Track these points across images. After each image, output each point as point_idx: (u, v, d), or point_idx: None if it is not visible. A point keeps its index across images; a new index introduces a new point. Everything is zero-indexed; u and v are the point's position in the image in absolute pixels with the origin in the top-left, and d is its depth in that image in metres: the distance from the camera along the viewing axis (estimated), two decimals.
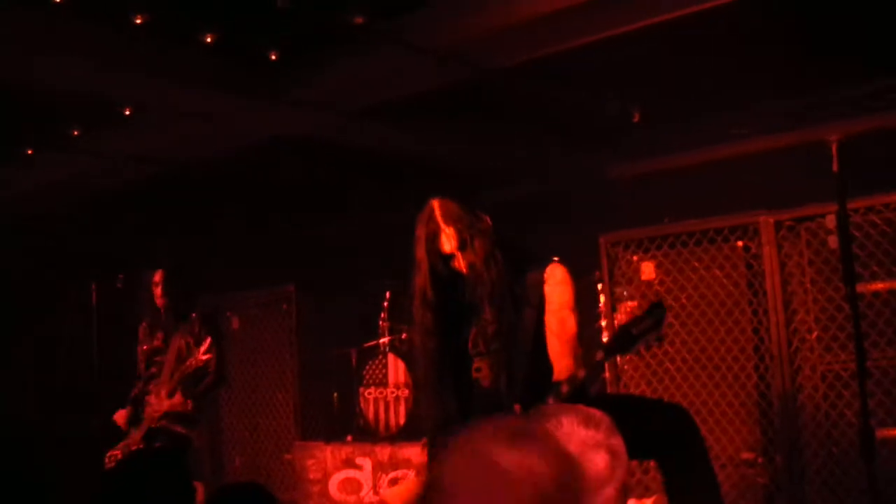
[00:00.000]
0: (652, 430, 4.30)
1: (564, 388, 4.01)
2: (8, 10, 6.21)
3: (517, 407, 4.13)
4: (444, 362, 4.54)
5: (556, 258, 4.51)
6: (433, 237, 4.40)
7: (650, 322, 3.95)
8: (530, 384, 4.27)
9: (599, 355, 4.05)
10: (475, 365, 4.48)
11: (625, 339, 3.98)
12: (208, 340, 6.93)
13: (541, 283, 4.39)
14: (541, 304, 4.37)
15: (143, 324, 7.51)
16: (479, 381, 4.47)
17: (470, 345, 4.51)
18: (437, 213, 4.40)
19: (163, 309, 7.33)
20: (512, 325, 4.37)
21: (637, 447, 4.47)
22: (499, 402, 4.34)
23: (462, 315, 4.53)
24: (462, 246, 4.37)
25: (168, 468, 2.59)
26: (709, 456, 4.44)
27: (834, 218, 6.45)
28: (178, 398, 6.88)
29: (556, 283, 4.39)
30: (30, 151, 9.01)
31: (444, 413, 4.51)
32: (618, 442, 2.05)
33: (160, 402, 6.94)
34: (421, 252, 4.46)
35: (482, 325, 4.46)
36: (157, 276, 7.31)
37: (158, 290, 7.30)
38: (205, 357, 6.88)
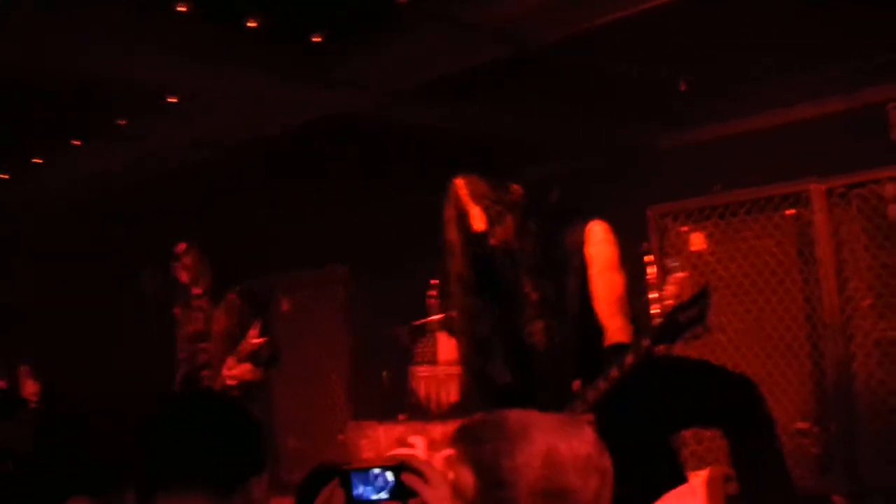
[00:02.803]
0: (721, 399, 4.26)
1: (629, 360, 3.93)
2: (52, 2, 6.26)
3: (577, 383, 4.11)
4: (489, 343, 4.51)
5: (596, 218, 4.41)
6: (462, 218, 4.34)
7: (697, 310, 3.86)
8: (581, 350, 4.24)
9: (646, 342, 3.90)
10: (527, 330, 4.43)
11: (672, 327, 3.89)
12: (259, 324, 6.71)
13: (581, 244, 4.30)
14: (582, 266, 4.28)
15: (177, 309, 7.32)
16: (535, 346, 4.41)
17: (518, 316, 4.46)
18: (463, 192, 4.32)
19: (197, 292, 7.12)
20: (556, 291, 4.32)
21: (703, 415, 4.47)
22: (559, 363, 4.30)
23: (504, 290, 4.48)
24: (491, 223, 4.30)
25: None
26: (776, 428, 4.39)
27: (894, 186, 6.40)
28: (248, 366, 6.72)
29: (597, 242, 4.30)
30: (77, 143, 9.08)
31: (490, 395, 4.49)
32: (608, 463, 2.00)
33: (229, 368, 6.77)
34: (452, 234, 4.40)
35: (526, 296, 4.41)
36: (180, 247, 7.07)
37: (184, 262, 7.05)
38: (257, 341, 6.66)
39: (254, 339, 6.71)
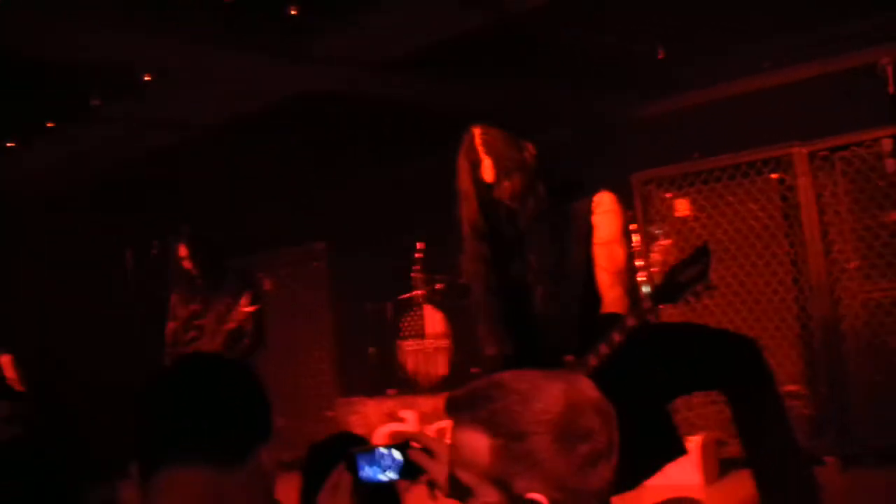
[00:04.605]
0: (721, 360, 4.23)
1: (617, 337, 3.91)
2: None
3: (569, 357, 4.07)
4: (499, 291, 4.46)
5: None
6: (475, 167, 4.32)
7: (697, 269, 3.84)
8: (582, 317, 4.22)
9: (647, 304, 3.93)
10: (526, 296, 4.40)
11: (672, 287, 3.87)
12: (250, 294, 6.86)
13: (588, 212, 4.27)
14: (589, 234, 4.26)
15: (174, 293, 7.40)
16: (532, 311, 4.39)
17: (518, 276, 4.43)
18: (478, 141, 4.30)
19: (197, 276, 7.22)
20: (558, 256, 4.29)
21: (704, 378, 4.45)
22: (557, 331, 4.28)
23: (506, 247, 4.46)
24: (499, 177, 4.29)
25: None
26: (777, 386, 4.35)
27: (891, 142, 6.44)
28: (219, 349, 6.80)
29: (604, 211, 4.26)
30: (50, 124, 8.98)
31: (504, 344, 4.45)
32: (612, 409, 1.99)
33: None
34: (465, 181, 4.37)
35: (527, 257, 4.39)
36: (182, 251, 7.17)
37: (188, 263, 7.17)
38: (248, 309, 6.79)
39: (245, 307, 6.79)
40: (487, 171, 4.27)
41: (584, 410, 1.89)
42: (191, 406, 2.16)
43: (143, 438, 2.19)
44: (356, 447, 2.17)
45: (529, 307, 4.38)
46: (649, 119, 9.39)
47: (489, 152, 4.27)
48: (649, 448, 4.21)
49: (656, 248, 7.52)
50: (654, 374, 4.15)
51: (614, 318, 4.04)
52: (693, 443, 6.57)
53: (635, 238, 7.55)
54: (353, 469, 2.12)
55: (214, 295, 7.08)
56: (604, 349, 3.92)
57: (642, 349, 3.97)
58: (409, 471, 2.15)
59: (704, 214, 7.27)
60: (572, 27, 7.63)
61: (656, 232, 7.54)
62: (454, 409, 1.97)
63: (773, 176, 7.04)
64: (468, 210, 4.41)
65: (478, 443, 1.89)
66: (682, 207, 7.33)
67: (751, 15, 7.51)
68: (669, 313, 7.29)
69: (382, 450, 2.15)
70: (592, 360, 3.94)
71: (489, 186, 4.31)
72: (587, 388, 1.95)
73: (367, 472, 2.12)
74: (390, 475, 2.14)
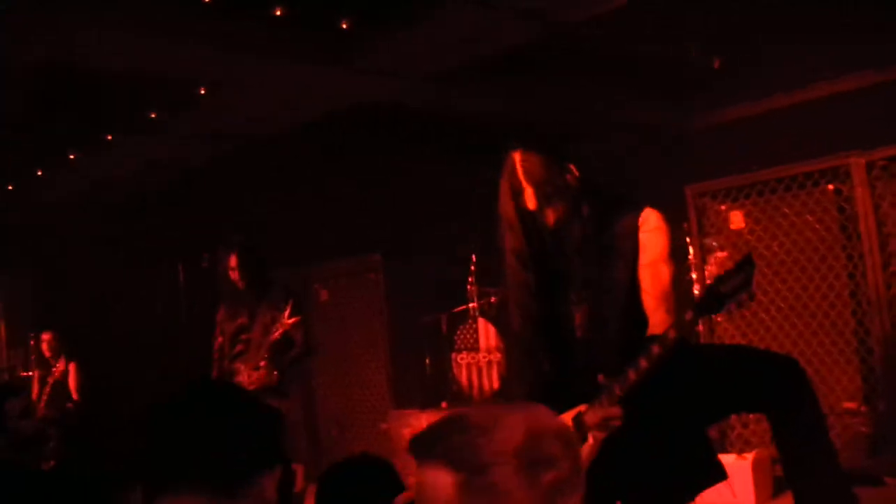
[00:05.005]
0: (761, 382, 4.13)
1: (656, 350, 3.82)
2: None
3: (601, 377, 3.99)
4: (541, 320, 4.39)
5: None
6: (517, 194, 4.24)
7: (740, 279, 3.73)
8: (625, 338, 4.13)
9: (689, 315, 3.79)
10: (569, 315, 4.32)
11: (715, 298, 3.77)
12: (291, 303, 6.88)
13: (635, 230, 4.15)
14: (635, 253, 4.15)
15: (222, 307, 7.41)
16: (574, 333, 4.31)
17: (562, 301, 4.35)
18: (519, 169, 4.22)
19: (243, 288, 7.24)
20: (603, 277, 4.21)
21: (746, 400, 4.35)
22: (594, 354, 4.20)
23: (551, 271, 4.38)
24: (541, 205, 4.21)
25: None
26: (821, 407, 4.23)
27: None
28: (263, 371, 6.84)
29: (651, 230, 4.13)
30: (109, 137, 9.08)
31: (539, 373, 4.37)
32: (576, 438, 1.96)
33: (248, 375, 6.90)
34: (508, 208, 4.29)
35: (573, 279, 4.30)
36: (233, 261, 7.18)
37: (236, 274, 7.20)
38: (291, 321, 6.81)
39: (287, 318, 6.83)
40: (530, 200, 4.20)
41: (545, 437, 1.87)
42: (195, 434, 2.20)
43: (147, 463, 2.21)
44: None
45: (571, 328, 4.30)
46: (704, 130, 9.27)
47: (530, 180, 4.17)
48: (686, 473, 4.13)
49: (713, 261, 7.41)
50: (693, 397, 4.07)
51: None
52: (746, 460, 6.46)
53: (690, 250, 7.46)
54: None
55: (260, 307, 7.10)
56: (643, 363, 3.83)
57: (681, 372, 3.88)
58: None
59: (760, 227, 7.15)
60: (627, 37, 7.55)
61: (713, 244, 7.43)
62: (416, 450, 1.94)
63: (830, 187, 6.91)
64: (512, 237, 4.33)
65: (441, 480, 1.86)
66: (737, 220, 7.22)
67: (806, 24, 7.38)
68: (724, 327, 7.21)
69: None
70: (631, 375, 3.85)
71: (533, 213, 4.24)
72: (546, 416, 1.94)
73: None
74: None
